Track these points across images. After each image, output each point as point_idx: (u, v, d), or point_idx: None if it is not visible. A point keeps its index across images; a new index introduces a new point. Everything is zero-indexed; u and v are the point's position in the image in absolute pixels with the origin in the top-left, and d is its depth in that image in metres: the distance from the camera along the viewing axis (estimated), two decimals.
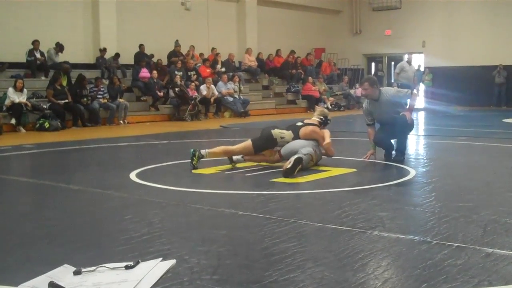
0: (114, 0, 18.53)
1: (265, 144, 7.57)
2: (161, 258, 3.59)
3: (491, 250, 3.79)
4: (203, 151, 7.51)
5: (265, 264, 3.58)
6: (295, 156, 6.87)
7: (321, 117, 7.93)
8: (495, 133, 12.50)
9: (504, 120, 15.98)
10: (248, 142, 7.59)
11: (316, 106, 7.88)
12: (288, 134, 7.53)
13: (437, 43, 24.66)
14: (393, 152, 8.04)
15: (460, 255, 3.69)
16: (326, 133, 7.60)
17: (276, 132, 7.53)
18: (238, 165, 7.63)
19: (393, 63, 25.54)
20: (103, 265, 3.45)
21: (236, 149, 7.59)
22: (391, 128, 7.95)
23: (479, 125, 14.77)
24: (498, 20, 23.25)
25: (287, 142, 7.49)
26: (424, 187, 6.25)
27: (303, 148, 7.24)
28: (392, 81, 16.75)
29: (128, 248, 3.92)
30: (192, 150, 7.50)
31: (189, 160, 7.43)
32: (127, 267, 3.41)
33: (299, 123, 7.78)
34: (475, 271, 3.39)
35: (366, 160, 7.97)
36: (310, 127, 7.64)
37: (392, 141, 8.14)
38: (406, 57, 18.29)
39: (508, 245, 3.92)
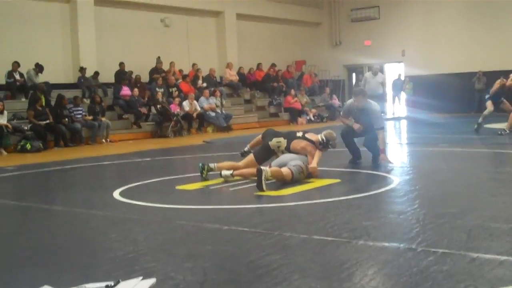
0: (92, 19, 18.47)
1: (265, 154, 7.75)
2: (141, 277, 3.56)
3: (476, 255, 3.81)
4: (211, 164, 7.78)
5: (251, 278, 3.56)
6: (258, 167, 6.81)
7: (325, 138, 7.67)
8: (476, 139, 12.59)
9: (486, 126, 16.09)
10: (251, 156, 7.78)
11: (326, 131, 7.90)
12: (283, 141, 7.62)
13: (416, 52, 24.86)
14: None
15: (445, 261, 3.70)
16: (317, 155, 7.49)
17: (273, 143, 7.68)
18: (223, 179, 7.64)
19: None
20: (83, 285, 3.42)
21: (242, 165, 7.70)
22: (365, 130, 8.69)
23: (461, 132, 14.86)
24: (475, 27, 23.50)
25: (282, 151, 7.61)
26: (408, 195, 6.27)
27: (292, 160, 7.25)
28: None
29: (113, 267, 3.89)
30: (200, 164, 7.80)
31: (198, 174, 7.74)
32: (107, 287, 3.39)
33: (299, 133, 7.81)
34: (460, 277, 3.40)
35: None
36: (304, 142, 7.58)
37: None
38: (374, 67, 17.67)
39: (493, 249, 3.94)
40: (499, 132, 12.57)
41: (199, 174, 7.76)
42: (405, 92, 24.66)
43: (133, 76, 18.82)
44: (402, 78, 24.99)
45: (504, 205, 5.50)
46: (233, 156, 11.34)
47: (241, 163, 7.74)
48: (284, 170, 7.04)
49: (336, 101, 24.24)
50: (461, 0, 23.93)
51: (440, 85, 23.84)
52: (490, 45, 23.05)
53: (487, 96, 13.99)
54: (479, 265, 3.61)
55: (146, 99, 18.31)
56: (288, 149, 7.57)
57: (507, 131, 12.43)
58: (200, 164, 7.80)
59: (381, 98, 15.09)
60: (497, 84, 13.52)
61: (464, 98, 23.35)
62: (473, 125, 13.89)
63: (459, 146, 11.12)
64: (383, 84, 15.61)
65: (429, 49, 24.53)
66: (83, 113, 15.97)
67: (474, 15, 23.54)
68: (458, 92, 23.50)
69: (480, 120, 13.67)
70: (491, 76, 22.45)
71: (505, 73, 16.00)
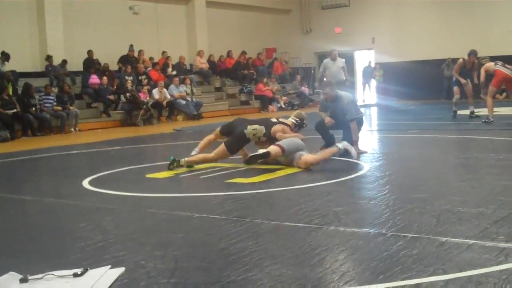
0: (60, 7, 18.18)
1: (238, 144, 7.69)
2: (109, 266, 3.54)
3: (445, 239, 3.85)
4: (182, 160, 7.60)
5: (222, 265, 3.56)
6: (265, 151, 7.15)
7: (297, 119, 8.05)
8: (445, 125, 12.73)
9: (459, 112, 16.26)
10: (222, 147, 7.64)
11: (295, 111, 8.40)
12: (260, 129, 7.63)
13: (386, 39, 24.99)
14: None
15: (415, 245, 3.74)
16: (299, 136, 7.68)
17: (249, 130, 7.63)
18: (195, 167, 7.62)
19: (344, 60, 25.76)
20: (50, 272, 3.38)
21: (214, 156, 7.65)
22: (339, 123, 8.60)
23: (430, 118, 15.01)
24: (445, 14, 23.68)
25: (259, 137, 7.60)
26: (378, 181, 6.31)
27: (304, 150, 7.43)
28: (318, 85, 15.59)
29: (83, 256, 3.86)
30: (171, 157, 7.63)
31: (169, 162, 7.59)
32: (75, 275, 3.36)
33: (274, 120, 7.88)
34: (429, 260, 3.43)
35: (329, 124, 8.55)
36: (281, 126, 7.71)
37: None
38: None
39: (461, 233, 3.99)
40: (484, 120, 12.52)
41: (168, 164, 7.63)
42: (375, 79, 24.80)
43: (102, 64, 18.59)
44: (373, 65, 25.12)
45: (472, 190, 5.57)
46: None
47: (213, 154, 7.68)
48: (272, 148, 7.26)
49: (306, 89, 24.29)
50: None
51: (409, 72, 24.03)
52: (459, 33, 23.25)
53: (454, 80, 14.17)
54: (447, 249, 3.65)
55: (115, 87, 18.13)
56: (268, 135, 7.59)
57: (491, 119, 12.34)
58: (171, 158, 7.63)
59: (344, 84, 14.63)
60: (459, 62, 13.70)
61: (434, 85, 23.57)
62: (442, 111, 14.06)
63: (428, 132, 11.24)
64: (343, 69, 15.01)
65: (399, 36, 24.68)
66: (54, 103, 15.74)
67: (444, 3, 23.71)
68: (427, 79, 23.70)
69: (471, 107, 13.91)
70: None
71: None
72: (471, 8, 23.07)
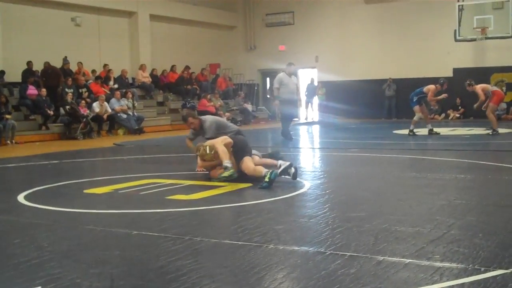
0: None
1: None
2: (39, 287, 3.43)
3: (382, 257, 3.90)
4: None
5: (160, 284, 3.50)
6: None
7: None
8: (385, 144, 12.98)
9: (394, 132, 16.63)
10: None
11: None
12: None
13: (329, 58, 25.39)
14: None
15: (352, 264, 3.77)
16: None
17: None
18: (135, 183, 7.52)
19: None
20: None
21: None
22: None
23: (371, 137, 15.28)
24: (386, 36, 24.24)
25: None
26: (318, 199, 6.35)
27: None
28: (270, 96, 15.02)
29: (16, 274, 3.74)
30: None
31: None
32: None
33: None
34: (367, 279, 3.46)
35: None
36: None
37: None
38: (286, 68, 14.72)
39: (398, 252, 4.04)
40: (490, 133, 14.28)
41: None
42: (318, 97, 25.15)
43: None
44: (315, 83, 25.45)
45: (410, 209, 5.66)
46: (145, 160, 11.19)
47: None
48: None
49: (249, 106, 24.41)
50: (373, 9, 24.62)
51: (351, 91, 24.49)
52: (400, 54, 23.87)
53: (414, 100, 14.84)
54: (384, 267, 3.69)
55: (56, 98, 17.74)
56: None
57: (496, 131, 14.21)
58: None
59: (296, 103, 14.48)
60: (434, 89, 14.75)
61: (375, 104, 24.09)
62: (382, 130, 14.38)
63: (369, 151, 11.41)
64: (298, 86, 14.61)
65: (342, 56, 25.12)
66: None
67: (386, 25, 24.29)
68: (369, 98, 24.21)
69: (428, 125, 14.96)
70: (401, 83, 23.37)
71: (413, 81, 17.41)
72: (411, 32, 23.72)
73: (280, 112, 15.14)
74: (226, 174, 7.32)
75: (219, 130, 8.21)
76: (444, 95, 14.96)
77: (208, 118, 8.62)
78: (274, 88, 14.20)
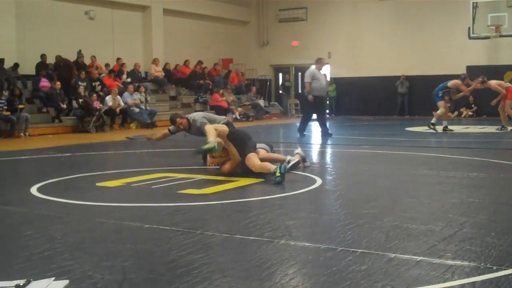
0: (13, 8, 17.84)
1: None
2: (53, 278, 3.45)
3: (394, 255, 3.89)
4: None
5: (171, 277, 3.51)
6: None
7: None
8: (398, 142, 12.94)
9: (407, 129, 16.57)
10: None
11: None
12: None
13: (342, 54, 25.30)
14: None
15: (364, 261, 3.76)
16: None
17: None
18: (147, 176, 7.53)
19: (300, 73, 26.01)
20: None
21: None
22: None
23: (383, 134, 15.23)
24: (400, 32, 24.09)
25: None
26: (330, 196, 6.35)
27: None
28: (304, 92, 14.35)
29: (28, 265, 3.76)
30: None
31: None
32: (17, 286, 3.26)
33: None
34: (378, 276, 3.46)
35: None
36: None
37: None
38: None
39: (410, 250, 4.03)
40: (500, 129, 14.74)
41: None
42: (328, 94, 25.07)
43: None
44: (328, 79, 25.39)
45: (421, 207, 5.65)
46: (158, 153, 11.22)
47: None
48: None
49: (261, 101, 24.39)
50: (387, 5, 24.50)
51: (364, 88, 24.41)
52: (413, 51, 23.73)
53: (440, 95, 14.95)
54: (396, 265, 3.69)
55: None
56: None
57: (505, 128, 14.60)
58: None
59: (324, 101, 14.35)
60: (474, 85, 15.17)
61: (387, 101, 24.00)
62: (395, 127, 14.38)
63: (381, 148, 11.38)
64: (327, 82, 14.34)
65: (355, 52, 25.02)
66: (4, 106, 15.38)
67: (399, 22, 24.15)
68: (381, 95, 24.13)
69: (444, 122, 15.09)
70: (414, 80, 23.28)
71: (426, 78, 17.39)
72: (425, 27, 23.57)
73: (305, 109, 15.00)
74: (206, 146, 7.19)
75: (210, 122, 8.24)
76: (471, 88, 15.22)
77: (196, 117, 8.63)
78: (306, 82, 13.71)
